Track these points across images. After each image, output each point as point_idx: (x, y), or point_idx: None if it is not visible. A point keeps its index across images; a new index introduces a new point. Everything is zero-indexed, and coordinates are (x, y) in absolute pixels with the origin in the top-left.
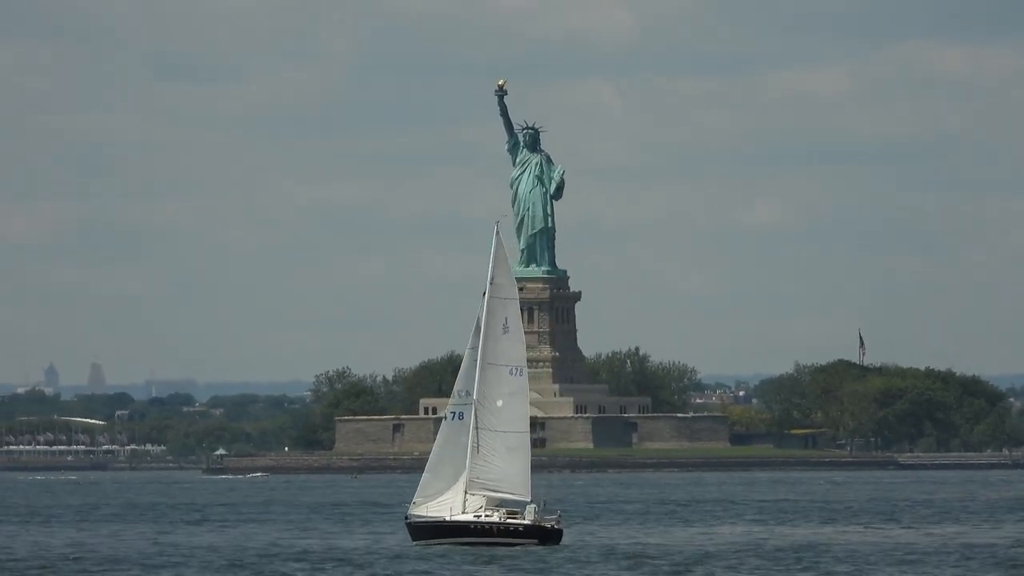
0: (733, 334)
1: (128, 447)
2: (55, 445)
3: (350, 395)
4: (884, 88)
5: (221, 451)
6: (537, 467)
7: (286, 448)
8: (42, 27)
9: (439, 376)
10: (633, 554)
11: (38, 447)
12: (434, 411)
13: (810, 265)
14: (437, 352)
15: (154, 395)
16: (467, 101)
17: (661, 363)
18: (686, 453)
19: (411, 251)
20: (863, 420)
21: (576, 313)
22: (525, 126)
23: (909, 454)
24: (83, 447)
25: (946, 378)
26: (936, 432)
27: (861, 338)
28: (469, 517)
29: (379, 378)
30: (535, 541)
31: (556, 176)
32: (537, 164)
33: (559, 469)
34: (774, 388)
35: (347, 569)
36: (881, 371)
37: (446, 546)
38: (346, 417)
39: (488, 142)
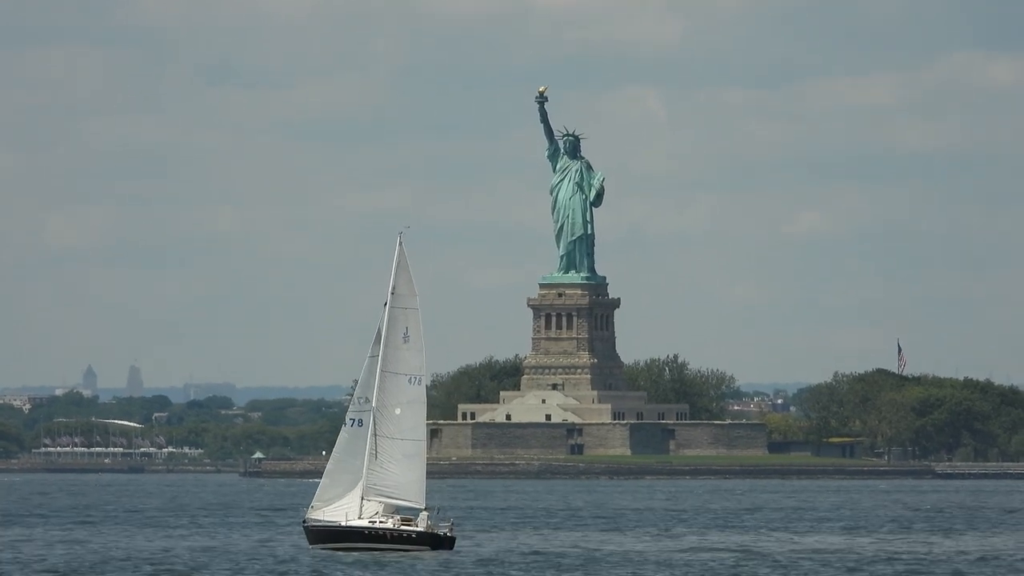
0: (772, 343)
1: (165, 450)
2: (92, 447)
3: None
4: (931, 100)
5: (259, 455)
6: (575, 473)
7: (323, 452)
8: (93, 31)
9: (477, 382)
10: (492, 559)
11: (75, 449)
12: (472, 416)
13: (851, 275)
14: (476, 358)
15: (192, 398)
16: (508, 107)
17: (699, 371)
18: (723, 460)
19: (450, 257)
20: (901, 429)
21: (615, 320)
22: (565, 133)
23: (947, 463)
24: (120, 449)
25: (984, 388)
26: (974, 442)
27: (900, 348)
28: (364, 523)
29: None
30: (427, 547)
31: (596, 183)
32: (577, 171)
33: (596, 476)
34: (812, 397)
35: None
36: (919, 381)
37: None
38: None
39: (528, 149)
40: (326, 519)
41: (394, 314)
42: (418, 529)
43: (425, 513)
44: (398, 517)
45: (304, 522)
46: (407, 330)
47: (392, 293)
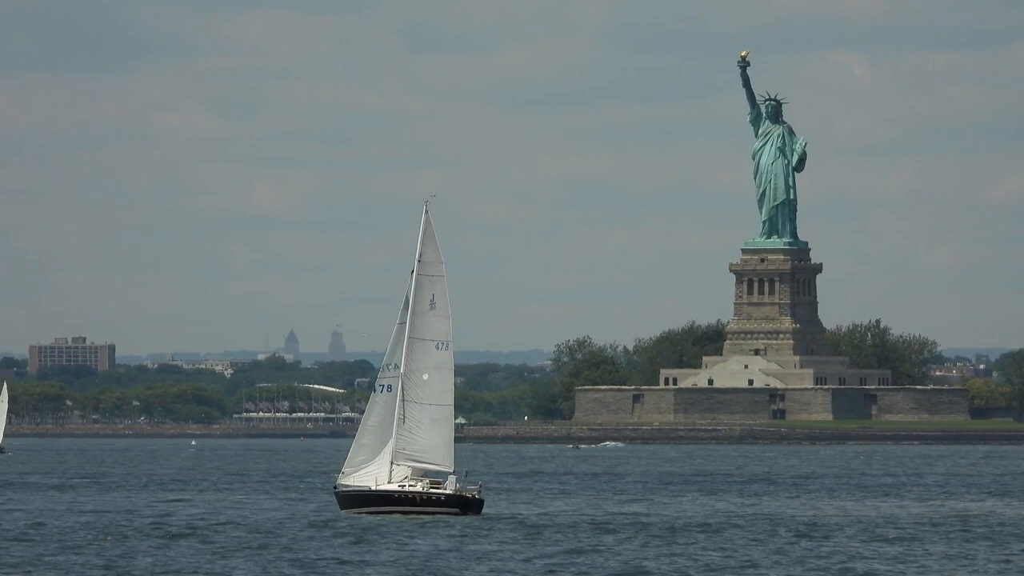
0: (974, 307)
1: None
2: (294, 412)
3: (590, 365)
4: None
5: (461, 419)
6: (777, 438)
7: (525, 417)
8: None
9: (680, 347)
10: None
11: (278, 414)
12: (675, 382)
13: None
14: (678, 322)
15: None
16: (710, 71)
17: (901, 336)
18: (925, 426)
19: (654, 222)
20: None
21: (817, 285)
22: (767, 97)
23: None
24: (322, 414)
25: None
26: None
27: None
28: (394, 487)
29: (620, 348)
30: (456, 511)
31: (799, 148)
32: (779, 136)
33: (798, 440)
34: (1015, 362)
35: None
36: None
37: (371, 515)
38: (586, 387)
39: (730, 113)
40: (357, 484)
41: (421, 281)
42: (447, 492)
43: (454, 477)
44: (427, 480)
45: (335, 487)
46: (433, 297)
47: (419, 261)
